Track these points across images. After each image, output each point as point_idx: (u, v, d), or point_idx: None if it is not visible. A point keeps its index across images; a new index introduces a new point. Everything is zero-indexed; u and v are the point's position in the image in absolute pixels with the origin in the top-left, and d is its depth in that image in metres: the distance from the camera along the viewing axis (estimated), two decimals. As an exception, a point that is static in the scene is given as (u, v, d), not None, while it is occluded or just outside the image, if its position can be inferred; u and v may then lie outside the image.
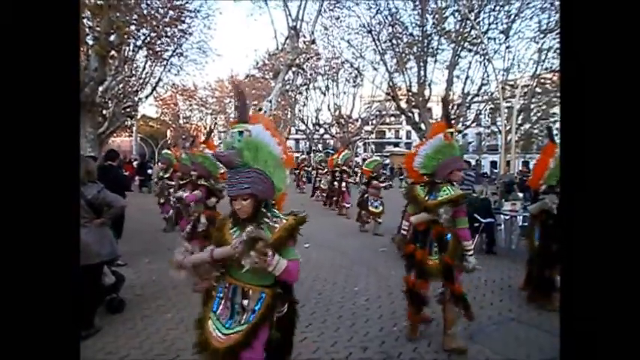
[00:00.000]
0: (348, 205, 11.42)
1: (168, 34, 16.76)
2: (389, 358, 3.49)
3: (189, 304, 4.44)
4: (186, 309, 4.38)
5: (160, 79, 20.96)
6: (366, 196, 9.17)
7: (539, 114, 22.64)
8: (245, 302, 2.10)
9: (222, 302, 2.16)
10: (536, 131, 24.09)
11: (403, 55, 19.27)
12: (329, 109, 29.75)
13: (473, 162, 36.75)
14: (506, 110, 18.91)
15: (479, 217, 6.94)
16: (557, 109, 24.94)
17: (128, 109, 19.70)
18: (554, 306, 4.46)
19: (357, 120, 30.92)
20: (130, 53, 16.90)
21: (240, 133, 2.07)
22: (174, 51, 18.77)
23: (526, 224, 7.31)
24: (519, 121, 21.26)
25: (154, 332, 3.92)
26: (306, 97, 30.79)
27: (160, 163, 8.74)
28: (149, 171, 18.54)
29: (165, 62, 19.38)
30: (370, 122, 32.11)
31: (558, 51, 19.40)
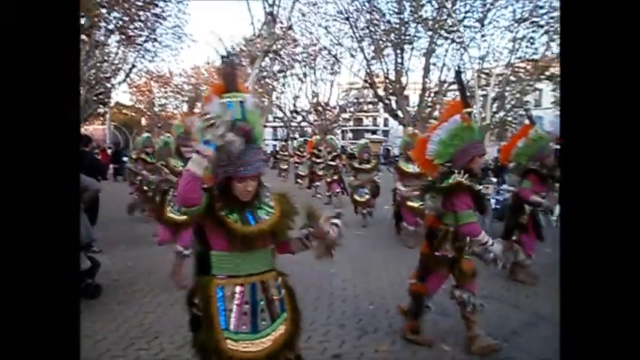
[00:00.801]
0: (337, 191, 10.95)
1: (142, 18, 16.38)
2: (365, 333, 3.59)
3: (165, 289, 4.46)
4: (162, 294, 4.39)
5: (133, 65, 20.50)
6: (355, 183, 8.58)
7: (513, 102, 23.10)
8: (272, 294, 1.94)
9: (236, 311, 1.84)
10: (510, 119, 24.61)
11: (380, 42, 19.34)
12: (306, 97, 29.76)
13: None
14: (481, 98, 19.25)
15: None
16: (530, 97, 25.53)
17: (101, 96, 19.25)
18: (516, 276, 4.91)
19: (334, 107, 30.96)
20: (102, 38, 16.45)
21: (241, 103, 1.85)
22: (147, 36, 18.39)
23: (498, 207, 7.55)
24: (494, 109, 21.66)
25: (131, 316, 3.92)
26: (284, 85, 30.63)
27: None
28: (124, 159, 18.22)
29: (138, 48, 18.94)
30: (348, 110, 32.18)
31: (532, 40, 19.85)
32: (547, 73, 20.93)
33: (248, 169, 1.80)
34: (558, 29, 18.41)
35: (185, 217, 4.26)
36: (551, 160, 4.88)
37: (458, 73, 3.59)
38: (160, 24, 18.31)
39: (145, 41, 18.75)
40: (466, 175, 3.02)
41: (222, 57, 1.92)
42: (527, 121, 5.48)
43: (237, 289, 1.85)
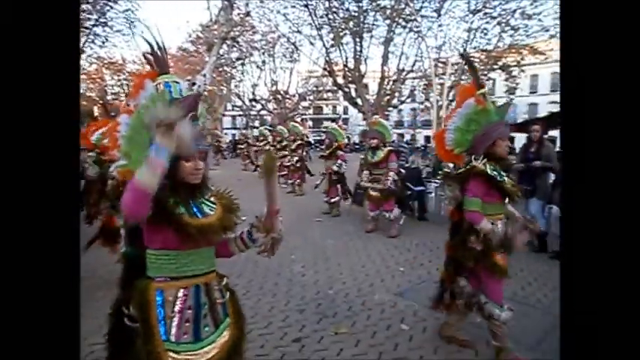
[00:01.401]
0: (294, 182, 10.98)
1: (90, 0, 15.55)
2: (324, 317, 3.61)
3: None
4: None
5: (82, 51, 19.46)
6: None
7: (468, 90, 23.75)
8: (215, 297, 1.78)
9: (177, 318, 1.67)
10: (465, 107, 25.32)
11: (339, 30, 19.29)
12: (266, 85, 29.31)
13: (408, 137, 38.11)
14: (438, 86, 19.67)
15: (410, 186, 7.23)
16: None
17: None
18: None
19: (294, 96, 30.74)
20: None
21: (176, 83, 1.73)
22: (97, 20, 17.48)
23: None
24: (451, 97, 22.21)
25: (84, 311, 3.75)
26: (242, 73, 30.04)
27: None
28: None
29: (87, 32, 17.99)
30: (307, 98, 32.06)
31: (485, 31, 20.42)
32: (499, 64, 21.63)
33: (196, 143, 1.60)
34: (509, 21, 19.13)
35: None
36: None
37: (464, 56, 3.11)
38: (110, 7, 17.47)
39: (95, 25, 17.82)
40: (485, 160, 2.77)
41: (149, 43, 1.79)
42: None
43: (180, 292, 1.66)
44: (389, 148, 6.53)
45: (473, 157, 2.84)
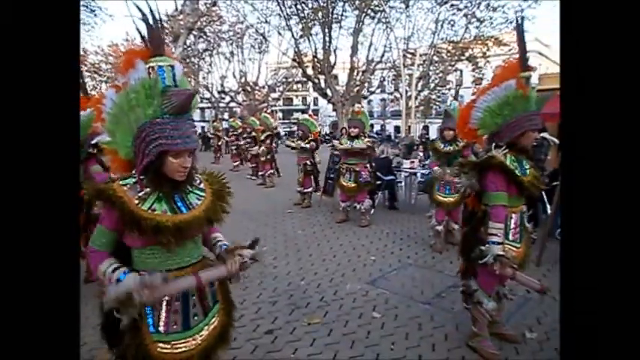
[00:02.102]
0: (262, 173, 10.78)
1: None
2: (297, 308, 3.59)
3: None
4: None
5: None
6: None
7: (436, 81, 24.11)
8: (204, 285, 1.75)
9: (165, 310, 1.67)
10: (434, 97, 25.72)
11: (308, 20, 19.16)
12: (234, 76, 28.84)
13: (378, 127, 38.44)
14: (407, 77, 19.87)
15: (381, 175, 7.28)
16: (452, 77, 26.80)
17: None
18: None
19: (263, 87, 30.42)
20: None
21: (171, 68, 1.62)
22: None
23: (423, 180, 7.88)
24: (419, 88, 22.50)
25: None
26: (210, 64, 29.48)
27: None
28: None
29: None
30: (277, 89, 31.80)
31: (452, 22, 20.74)
32: (466, 55, 22.04)
33: (186, 141, 1.58)
34: (475, 13, 19.47)
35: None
36: (448, 134, 5.07)
37: (520, 24, 2.72)
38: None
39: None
40: (506, 151, 2.62)
41: (144, 18, 1.63)
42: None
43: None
44: (369, 138, 6.51)
45: (493, 144, 2.69)
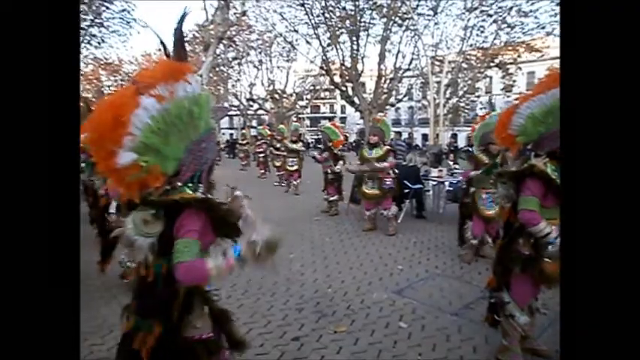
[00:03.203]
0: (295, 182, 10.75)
1: (85, 0, 15.51)
2: (323, 316, 3.62)
3: (119, 284, 4.29)
4: (115, 288, 4.23)
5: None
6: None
7: (465, 88, 23.80)
8: None
9: None
10: (462, 105, 25.38)
11: (336, 29, 19.29)
12: (263, 84, 29.28)
13: (406, 134, 38.17)
14: (435, 85, 19.69)
15: (408, 184, 7.24)
16: (481, 84, 26.41)
17: (44, 84, 18.12)
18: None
19: (291, 95, 30.71)
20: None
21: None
22: (92, 20, 17.44)
23: (451, 189, 7.78)
24: (447, 95, 22.24)
25: (82, 311, 3.75)
26: (239, 72, 30.02)
27: None
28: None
29: (83, 32, 17.94)
30: (304, 97, 32.03)
31: (482, 29, 20.47)
32: (496, 61, 21.69)
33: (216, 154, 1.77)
34: (506, 19, 19.17)
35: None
36: (495, 147, 4.74)
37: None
38: (106, 8, 17.44)
39: (90, 26, 17.78)
40: (546, 160, 2.54)
41: (175, 38, 1.68)
42: (487, 107, 5.72)
43: None
44: (387, 147, 6.52)
45: (532, 154, 2.62)
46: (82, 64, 22.83)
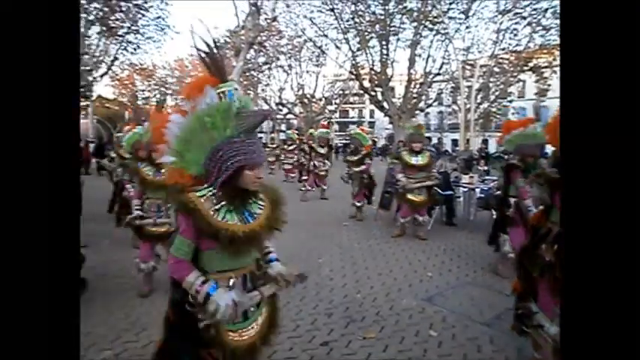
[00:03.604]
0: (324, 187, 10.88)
1: (123, 9, 16.08)
2: (352, 321, 3.62)
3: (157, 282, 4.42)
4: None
5: (115, 58, 20.15)
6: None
7: (497, 93, 23.35)
8: (258, 282, 1.99)
9: None
10: (494, 110, 24.89)
11: (366, 33, 19.30)
12: (292, 89, 29.59)
13: (435, 140, 37.70)
14: (466, 89, 19.42)
15: (439, 190, 7.16)
16: (514, 88, 25.83)
17: (82, 89, 18.85)
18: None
19: (320, 99, 30.87)
20: (82, 29, 16.10)
21: (235, 90, 1.80)
22: (129, 27, 18.07)
23: (482, 196, 7.63)
24: (478, 100, 21.88)
25: (117, 309, 3.88)
26: (269, 77, 30.41)
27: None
28: (112, 154, 17.94)
29: (120, 39, 18.62)
30: (333, 101, 32.13)
31: (515, 32, 20.05)
32: (530, 65, 21.19)
33: (260, 155, 1.80)
34: (540, 21, 18.71)
35: (164, 229, 4.22)
36: (531, 160, 4.33)
37: None
38: (142, 15, 18.06)
39: (127, 33, 18.46)
40: None
41: (207, 45, 1.82)
42: (530, 114, 5.31)
43: (231, 281, 1.86)
44: (429, 153, 6.45)
45: None
46: (118, 70, 23.68)
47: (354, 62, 20.45)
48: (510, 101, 24.74)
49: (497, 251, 5.04)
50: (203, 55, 1.84)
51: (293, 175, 14.36)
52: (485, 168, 13.87)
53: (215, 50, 1.86)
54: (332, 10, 19.58)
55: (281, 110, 31.88)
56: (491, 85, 22.65)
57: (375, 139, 46.74)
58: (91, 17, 15.57)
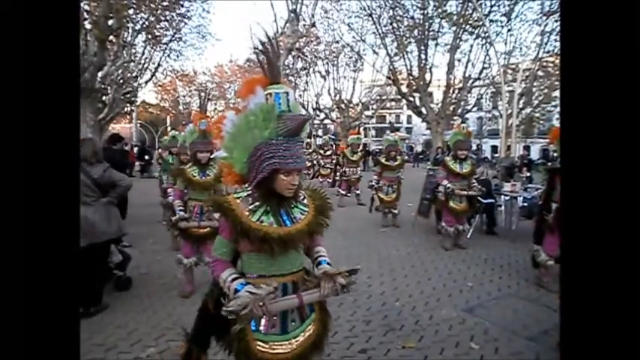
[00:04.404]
0: (357, 192, 10.96)
1: (167, 18, 16.68)
2: (391, 330, 3.58)
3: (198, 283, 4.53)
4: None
5: (159, 65, 20.94)
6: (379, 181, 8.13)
7: (540, 98, 22.59)
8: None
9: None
10: (537, 115, 24.10)
11: (404, 38, 19.15)
12: (329, 94, 29.64)
13: (474, 146, 36.84)
14: (507, 94, 18.87)
15: (479, 198, 6.99)
16: (558, 93, 24.93)
17: (128, 95, 19.66)
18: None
19: (357, 104, 30.82)
20: (129, 38, 16.81)
21: (286, 94, 1.77)
22: (173, 35, 18.74)
23: (526, 205, 7.39)
24: (520, 105, 21.24)
25: (160, 308, 4.01)
26: (307, 82, 30.66)
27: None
28: (154, 157, 18.64)
29: (164, 47, 19.32)
30: (371, 107, 32.01)
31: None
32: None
33: (297, 161, 1.72)
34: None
35: (207, 229, 4.26)
36: None
37: None
38: (185, 23, 18.67)
39: (171, 41, 19.14)
40: None
41: (262, 44, 1.81)
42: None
43: (272, 287, 1.74)
44: (472, 161, 6.30)
45: None
46: (161, 76, 24.51)
47: (391, 67, 20.31)
48: (555, 106, 23.88)
49: (535, 267, 4.78)
50: (259, 54, 1.83)
51: (329, 180, 14.38)
52: (528, 175, 13.45)
53: (272, 50, 1.83)
54: (370, 15, 19.57)
55: (318, 115, 32.04)
56: (534, 89, 21.94)
57: (413, 145, 46.22)
58: (138, 27, 16.21)
